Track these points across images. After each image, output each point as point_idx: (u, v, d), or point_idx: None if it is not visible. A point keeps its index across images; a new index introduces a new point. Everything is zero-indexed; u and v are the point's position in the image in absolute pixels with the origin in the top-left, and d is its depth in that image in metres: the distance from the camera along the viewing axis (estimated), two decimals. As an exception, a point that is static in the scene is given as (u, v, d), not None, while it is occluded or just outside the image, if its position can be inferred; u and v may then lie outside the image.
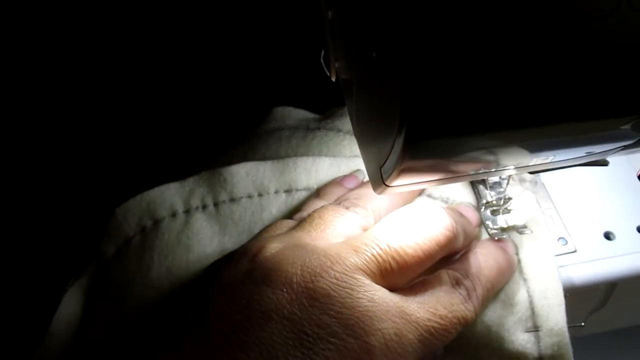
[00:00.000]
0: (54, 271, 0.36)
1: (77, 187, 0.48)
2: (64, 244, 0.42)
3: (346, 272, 0.25)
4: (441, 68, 0.19)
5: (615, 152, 0.26)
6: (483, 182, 0.35)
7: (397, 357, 0.24)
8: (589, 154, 0.26)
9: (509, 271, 0.31)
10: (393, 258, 0.27)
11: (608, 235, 0.36)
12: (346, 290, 0.25)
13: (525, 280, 0.31)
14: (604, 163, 0.33)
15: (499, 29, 0.18)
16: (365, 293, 0.25)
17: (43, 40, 0.45)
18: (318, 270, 0.25)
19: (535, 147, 0.24)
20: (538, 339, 0.29)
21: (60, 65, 0.47)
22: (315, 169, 0.37)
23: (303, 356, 0.23)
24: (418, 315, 0.26)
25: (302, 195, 0.36)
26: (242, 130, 0.44)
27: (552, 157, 0.25)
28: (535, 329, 0.29)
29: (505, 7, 0.18)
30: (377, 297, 0.25)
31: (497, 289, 0.31)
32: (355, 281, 0.25)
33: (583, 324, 0.30)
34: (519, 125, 0.21)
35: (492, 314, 0.30)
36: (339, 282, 0.25)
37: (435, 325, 0.26)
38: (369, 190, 0.33)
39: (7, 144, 0.48)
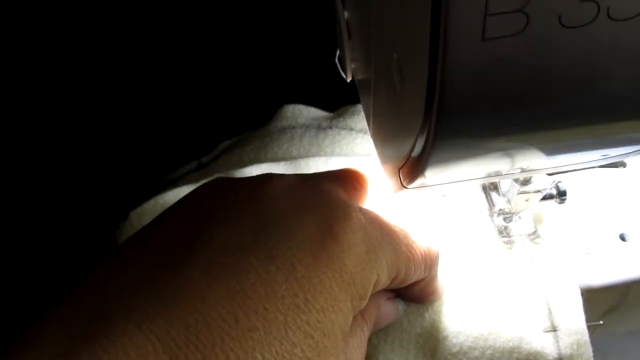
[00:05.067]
0: (71, 275, 0.36)
1: (91, 190, 0.48)
2: (79, 247, 0.43)
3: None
4: (465, 71, 0.18)
5: (633, 155, 0.26)
6: (496, 189, 0.35)
7: (328, 242, 0.23)
8: (605, 157, 0.26)
9: None
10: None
11: (623, 237, 0.35)
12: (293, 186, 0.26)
13: (539, 280, 0.31)
14: (621, 165, 0.33)
15: (520, 32, 0.18)
16: (311, 187, 0.26)
17: (67, 44, 0.46)
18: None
19: (555, 150, 0.24)
20: (557, 339, 0.29)
21: (78, 67, 0.47)
22: (327, 170, 0.37)
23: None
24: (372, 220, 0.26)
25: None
26: (252, 128, 0.44)
27: (569, 159, 0.25)
28: (553, 328, 0.29)
29: (531, 9, 0.17)
30: (321, 188, 0.26)
31: None
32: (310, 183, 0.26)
33: (602, 322, 0.30)
34: (541, 127, 0.21)
35: (507, 315, 0.30)
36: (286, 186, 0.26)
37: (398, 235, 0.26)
38: None
39: (23, 149, 0.48)
